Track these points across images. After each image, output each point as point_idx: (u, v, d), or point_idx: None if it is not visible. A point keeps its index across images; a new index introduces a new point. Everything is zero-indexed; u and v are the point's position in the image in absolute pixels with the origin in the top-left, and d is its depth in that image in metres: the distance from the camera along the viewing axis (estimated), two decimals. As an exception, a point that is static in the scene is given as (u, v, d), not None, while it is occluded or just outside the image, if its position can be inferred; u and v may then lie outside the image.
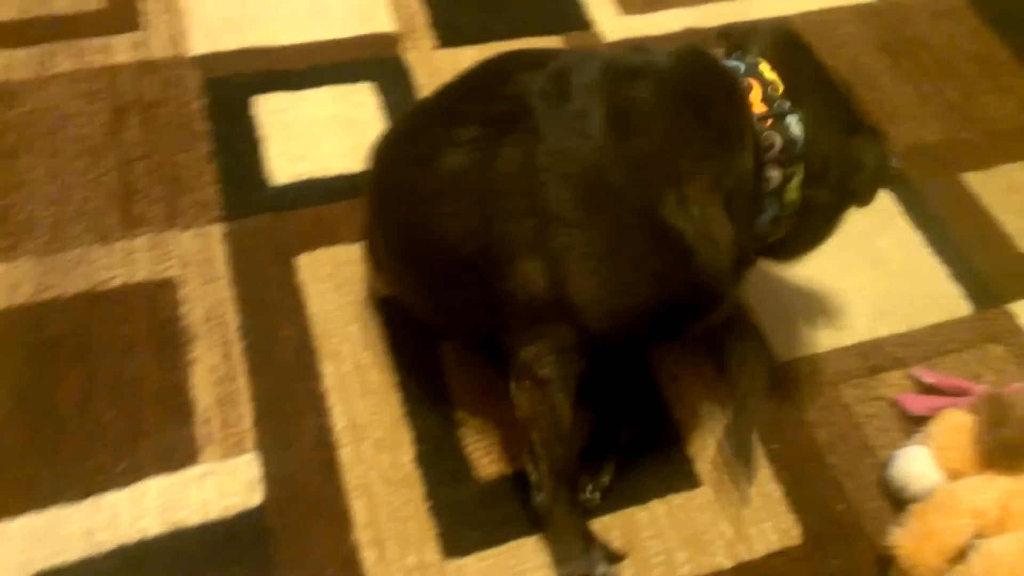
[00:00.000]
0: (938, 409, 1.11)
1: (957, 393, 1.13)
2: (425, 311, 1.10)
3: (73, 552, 0.97)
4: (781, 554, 1.03)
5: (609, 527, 1.04)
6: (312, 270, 1.21)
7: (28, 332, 1.13)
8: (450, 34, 1.52)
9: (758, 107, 0.92)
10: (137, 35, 1.45)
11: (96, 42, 1.44)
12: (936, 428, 1.07)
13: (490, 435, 1.09)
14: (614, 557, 1.01)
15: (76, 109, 1.36)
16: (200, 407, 1.08)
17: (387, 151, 1.07)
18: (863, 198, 1.00)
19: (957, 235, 1.34)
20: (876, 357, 1.20)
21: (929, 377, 1.16)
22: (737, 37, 1.01)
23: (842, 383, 1.17)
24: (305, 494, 1.03)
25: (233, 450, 1.05)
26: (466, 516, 1.03)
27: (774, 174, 0.93)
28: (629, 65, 0.94)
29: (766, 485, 1.08)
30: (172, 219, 1.25)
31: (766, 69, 0.94)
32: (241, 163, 1.32)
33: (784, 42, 0.99)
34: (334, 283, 1.20)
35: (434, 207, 0.95)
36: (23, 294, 1.16)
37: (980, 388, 1.13)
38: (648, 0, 1.62)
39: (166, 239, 1.22)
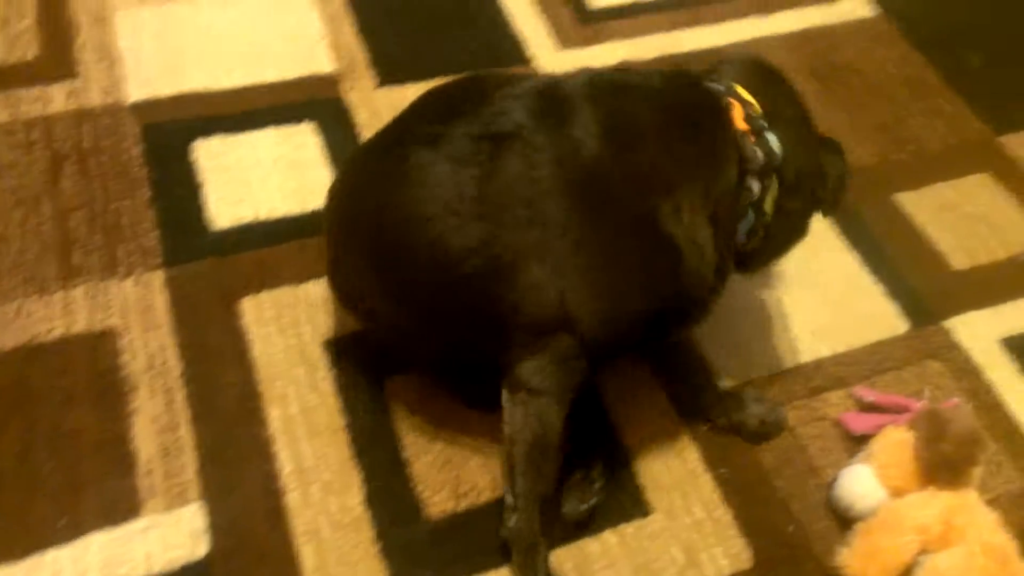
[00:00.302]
0: (880, 427, 1.12)
1: (898, 410, 1.15)
2: (404, 339, 1.08)
3: (15, 613, 0.95)
4: (732, 578, 1.04)
5: (562, 560, 1.04)
6: (256, 313, 1.20)
7: (-35, 387, 1.10)
8: (390, 72, 1.52)
9: (740, 124, 1.00)
10: (74, 83, 1.44)
11: (33, 91, 1.42)
12: (878, 446, 1.09)
13: (440, 473, 1.09)
14: None
15: (12, 159, 1.34)
16: (143, 458, 1.07)
17: (358, 183, 1.06)
18: (830, 206, 1.11)
19: (892, 254, 1.37)
20: (817, 378, 1.22)
21: (870, 396, 1.18)
22: (709, 64, 1.09)
23: (785, 405, 1.18)
24: (251, 543, 1.02)
25: (177, 500, 1.04)
26: (417, 556, 1.03)
27: (755, 186, 1.00)
28: (618, 81, 1.01)
29: (716, 510, 1.09)
30: (112, 268, 1.23)
31: (742, 91, 1.02)
32: (181, 209, 1.30)
33: (756, 68, 1.09)
34: (278, 326, 1.19)
35: (429, 227, 0.94)
36: (-40, 349, 1.14)
37: (919, 405, 1.15)
38: (587, 35, 1.65)
39: (106, 288, 1.21)
